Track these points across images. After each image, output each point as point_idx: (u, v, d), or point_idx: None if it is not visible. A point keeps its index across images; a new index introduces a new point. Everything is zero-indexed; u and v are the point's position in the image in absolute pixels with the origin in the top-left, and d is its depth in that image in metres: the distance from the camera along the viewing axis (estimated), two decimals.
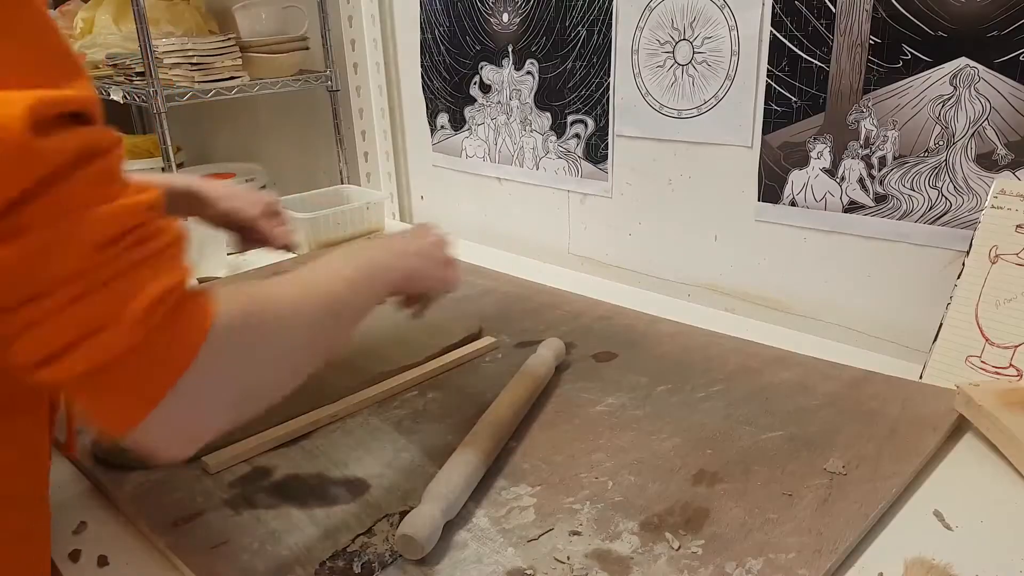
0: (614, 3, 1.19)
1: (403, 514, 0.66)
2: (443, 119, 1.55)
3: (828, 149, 1.00)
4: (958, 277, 0.88)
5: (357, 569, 0.61)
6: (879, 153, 0.96)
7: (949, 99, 0.89)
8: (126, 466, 0.76)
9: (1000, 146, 0.86)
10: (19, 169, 0.39)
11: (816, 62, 0.98)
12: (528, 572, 0.60)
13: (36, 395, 0.55)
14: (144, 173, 1.05)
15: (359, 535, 0.65)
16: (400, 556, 0.62)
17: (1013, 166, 0.86)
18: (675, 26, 1.12)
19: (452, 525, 0.65)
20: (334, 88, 1.68)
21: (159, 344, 0.44)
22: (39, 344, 0.41)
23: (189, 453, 0.50)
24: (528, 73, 1.35)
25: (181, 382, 0.45)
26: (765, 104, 1.05)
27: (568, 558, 0.62)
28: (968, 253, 0.87)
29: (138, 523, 0.70)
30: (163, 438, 0.47)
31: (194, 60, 1.55)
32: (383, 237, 0.78)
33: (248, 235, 0.97)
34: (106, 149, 0.43)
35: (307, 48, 1.70)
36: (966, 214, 0.91)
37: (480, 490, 0.70)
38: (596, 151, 1.29)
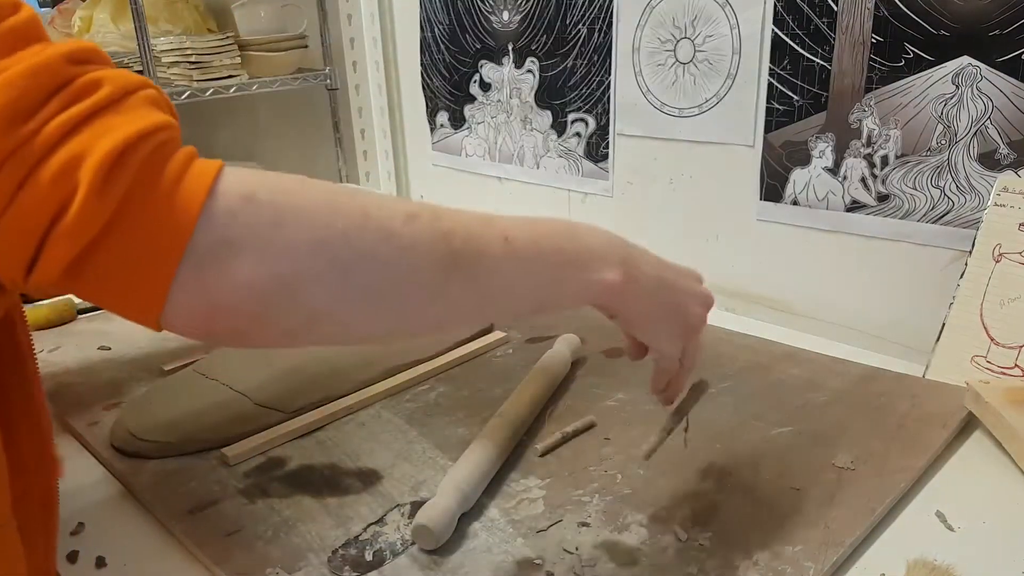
0: (615, 1, 1.19)
1: (414, 504, 0.66)
2: (443, 118, 1.55)
3: (830, 148, 1.00)
4: (961, 276, 0.88)
5: (369, 557, 0.61)
6: (881, 152, 0.96)
7: (951, 98, 0.89)
8: (143, 455, 0.76)
9: (1002, 145, 0.87)
10: None
11: (818, 61, 0.99)
12: (537, 562, 0.61)
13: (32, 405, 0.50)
14: None
15: (371, 524, 0.65)
16: (411, 544, 0.62)
17: (1015, 165, 0.87)
18: (676, 24, 1.12)
19: (462, 516, 0.65)
20: (333, 87, 1.69)
21: (146, 210, 0.38)
22: (13, 250, 0.37)
23: (241, 342, 0.43)
24: (528, 71, 1.36)
25: (190, 251, 0.38)
26: (767, 103, 1.05)
27: (576, 548, 0.62)
28: (971, 252, 0.88)
29: (154, 511, 0.70)
30: (196, 321, 0.40)
31: (192, 59, 1.55)
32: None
33: None
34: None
35: (306, 46, 1.71)
36: (968, 213, 0.91)
37: (490, 482, 0.70)
38: (597, 150, 1.29)
